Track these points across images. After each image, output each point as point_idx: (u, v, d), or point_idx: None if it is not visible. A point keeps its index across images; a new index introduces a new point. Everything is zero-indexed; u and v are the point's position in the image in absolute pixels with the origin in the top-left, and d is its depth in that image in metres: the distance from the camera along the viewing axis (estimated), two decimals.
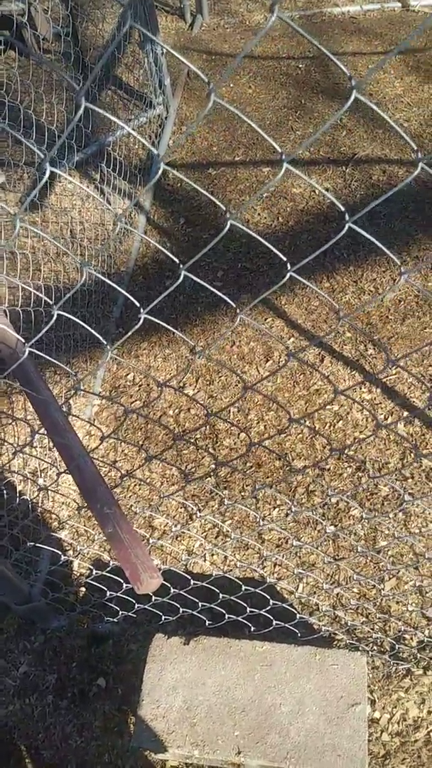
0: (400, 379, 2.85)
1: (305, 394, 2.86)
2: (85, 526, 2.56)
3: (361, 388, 2.84)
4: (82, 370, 3.06)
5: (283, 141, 4.08)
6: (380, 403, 2.77)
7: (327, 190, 3.74)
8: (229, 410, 2.84)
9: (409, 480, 2.53)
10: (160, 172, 0.86)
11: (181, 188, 3.93)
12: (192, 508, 2.57)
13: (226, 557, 2.43)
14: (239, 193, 3.80)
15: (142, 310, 1.00)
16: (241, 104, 4.36)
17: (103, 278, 0.94)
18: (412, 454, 2.60)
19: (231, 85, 4.58)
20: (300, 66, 4.65)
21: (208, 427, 2.82)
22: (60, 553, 2.32)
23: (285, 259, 0.91)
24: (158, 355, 3.12)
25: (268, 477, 2.63)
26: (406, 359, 2.89)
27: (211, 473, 2.67)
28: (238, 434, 2.76)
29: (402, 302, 3.13)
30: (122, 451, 2.80)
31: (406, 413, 2.75)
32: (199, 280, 1.00)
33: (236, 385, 2.94)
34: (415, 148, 0.76)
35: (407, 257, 3.31)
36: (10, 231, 3.55)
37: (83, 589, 2.41)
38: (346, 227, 0.83)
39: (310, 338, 3.05)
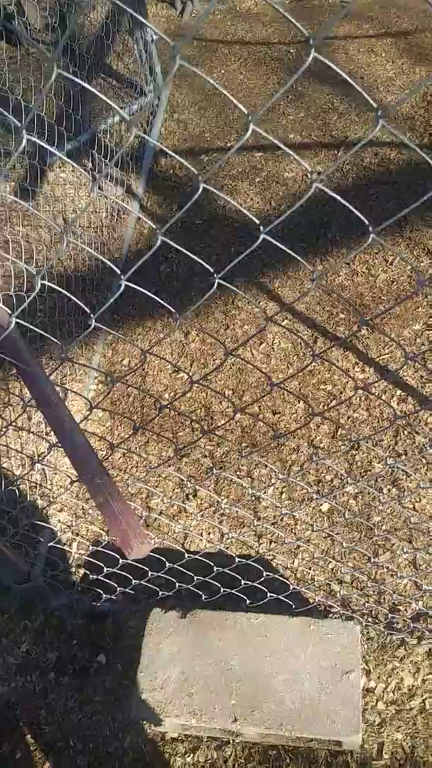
0: (393, 358, 2.88)
1: (299, 375, 2.88)
2: (83, 507, 2.60)
3: (354, 368, 2.87)
4: (77, 356, 3.09)
5: (275, 125, 4.08)
6: (373, 382, 2.80)
7: (319, 173, 3.75)
8: (224, 392, 2.87)
9: (402, 456, 2.56)
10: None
11: (174, 174, 3.94)
12: (188, 486, 2.60)
13: (222, 535, 2.47)
14: (232, 179, 3.82)
15: (122, 277, 1.03)
16: (232, 90, 4.37)
17: (99, 257, 0.97)
18: (405, 432, 2.63)
19: (222, 71, 4.59)
20: (291, 51, 4.66)
21: (203, 409, 2.85)
22: (59, 532, 2.36)
23: (258, 222, 0.93)
24: (152, 339, 3.15)
25: (263, 456, 2.66)
26: (399, 338, 2.91)
27: (207, 454, 2.70)
28: (232, 416, 2.79)
29: (395, 282, 3.15)
30: (119, 434, 2.83)
31: (399, 392, 2.77)
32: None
33: (230, 368, 2.96)
34: (375, 105, 0.78)
35: (399, 238, 3.32)
36: (4, 221, 3.57)
37: (82, 568, 2.44)
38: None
39: (303, 320, 3.07)
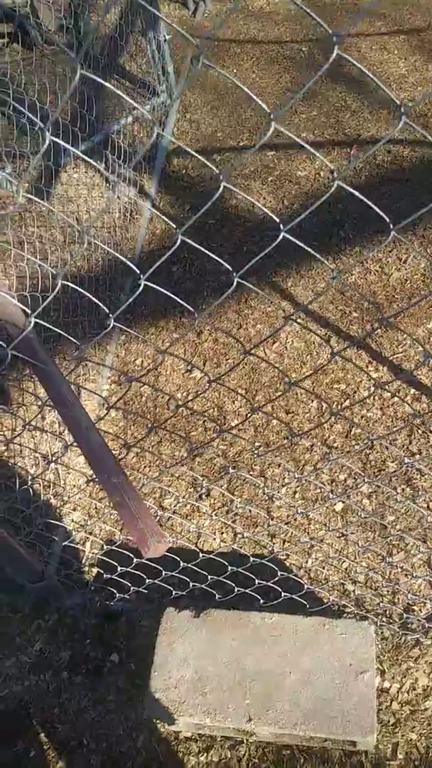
0: (407, 357, 2.86)
1: (312, 374, 2.87)
2: (96, 506, 2.61)
3: (368, 367, 2.86)
4: (90, 356, 3.09)
5: (288, 124, 4.08)
6: (388, 381, 2.79)
7: (332, 171, 3.74)
8: (237, 391, 2.87)
9: (417, 456, 2.54)
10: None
11: (187, 174, 3.94)
12: (201, 486, 2.60)
13: (236, 534, 2.47)
14: (244, 178, 3.81)
15: (142, 276, 1.03)
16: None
17: (115, 253, 0.97)
18: (419, 431, 2.61)
19: (234, 71, 4.58)
20: (303, 49, 4.65)
21: (216, 409, 2.85)
22: (73, 532, 2.36)
23: (278, 220, 0.93)
24: (166, 339, 3.15)
25: (276, 456, 2.66)
26: (413, 336, 2.90)
27: (220, 454, 2.70)
28: (247, 416, 2.79)
29: (408, 281, 3.13)
30: (132, 434, 2.83)
31: (413, 390, 2.76)
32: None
33: (243, 368, 2.96)
34: (398, 102, 0.77)
35: (413, 236, 3.31)
36: (19, 221, 3.59)
37: (96, 568, 2.45)
38: (335, 184, 0.85)
39: (317, 319, 3.07)
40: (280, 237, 0.93)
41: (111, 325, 1.07)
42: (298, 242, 0.94)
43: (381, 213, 0.89)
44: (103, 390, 3.00)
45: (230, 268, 0.99)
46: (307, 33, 4.75)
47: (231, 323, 3.14)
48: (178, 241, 0.96)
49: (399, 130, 3.80)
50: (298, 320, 3.07)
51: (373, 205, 0.91)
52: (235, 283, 0.99)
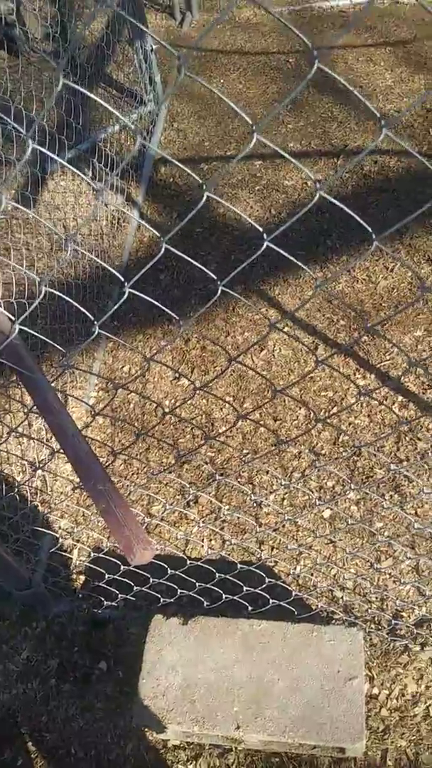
0: (394, 365, 2.88)
1: (300, 382, 2.89)
2: (84, 513, 2.60)
3: (355, 375, 2.88)
4: (78, 363, 3.09)
5: (274, 134, 4.11)
6: (375, 388, 2.81)
7: (318, 181, 3.77)
8: (225, 399, 2.88)
9: (404, 462, 2.56)
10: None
11: (174, 183, 3.96)
12: (189, 493, 2.60)
13: (224, 541, 2.47)
14: (232, 187, 3.83)
15: (126, 284, 1.03)
16: (232, 100, 4.39)
17: (101, 262, 0.98)
18: (407, 438, 2.63)
19: (221, 81, 4.61)
20: (290, 60, 4.69)
21: (204, 416, 2.85)
22: (60, 539, 2.35)
23: (261, 229, 0.94)
24: (154, 347, 3.15)
25: (264, 463, 2.66)
26: (400, 344, 2.92)
27: (208, 461, 2.70)
28: (234, 422, 2.79)
29: (395, 290, 3.16)
30: (120, 442, 2.83)
31: (401, 398, 2.78)
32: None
33: (231, 375, 2.97)
34: (378, 115, 0.79)
35: (399, 245, 3.34)
36: (6, 228, 3.59)
37: (83, 575, 2.44)
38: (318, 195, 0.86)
39: (304, 327, 3.08)
40: (264, 246, 0.94)
41: (96, 332, 1.08)
42: (282, 252, 0.95)
43: (363, 223, 0.90)
44: (90, 398, 3.00)
45: (215, 277, 1.00)
46: (294, 44, 4.80)
47: (219, 331, 3.15)
48: (163, 248, 0.97)
49: (386, 141, 3.83)
50: (286, 328, 3.08)
51: (356, 216, 0.92)
52: (219, 291, 0.99)
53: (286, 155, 0.91)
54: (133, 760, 2.04)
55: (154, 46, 3.97)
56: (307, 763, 1.94)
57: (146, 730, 2.06)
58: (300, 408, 2.80)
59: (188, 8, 5.22)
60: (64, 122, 3.73)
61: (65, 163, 0.98)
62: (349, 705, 1.79)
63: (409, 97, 4.19)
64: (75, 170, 1.10)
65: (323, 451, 2.66)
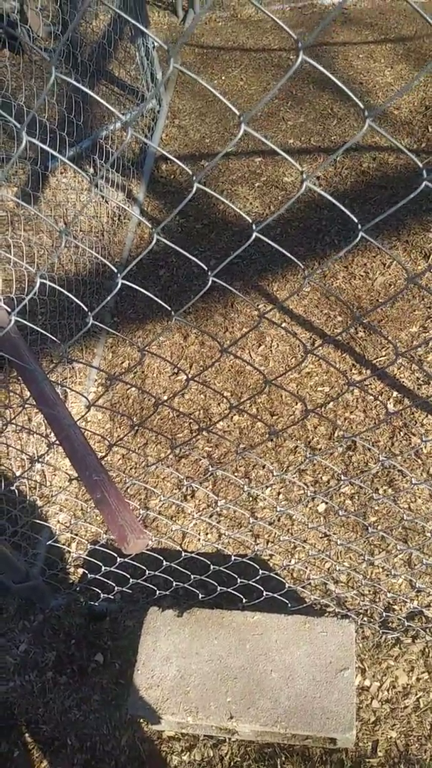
0: (390, 360, 2.90)
1: (297, 377, 2.90)
2: (82, 507, 2.62)
3: (351, 370, 2.89)
4: (77, 359, 3.11)
5: (275, 131, 4.12)
6: (370, 384, 2.82)
7: (318, 178, 3.79)
8: (222, 394, 2.89)
9: (398, 457, 2.58)
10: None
11: (175, 180, 3.98)
12: (186, 487, 2.62)
13: (220, 534, 2.49)
14: (231, 183, 3.85)
15: (119, 274, 1.05)
16: (233, 96, 4.41)
17: (100, 258, 0.99)
18: (401, 433, 2.65)
19: (223, 78, 4.63)
20: (291, 57, 4.70)
21: (201, 411, 2.87)
22: (58, 533, 2.38)
23: (250, 220, 0.96)
24: (153, 342, 3.17)
25: (260, 456, 2.68)
26: (396, 340, 2.93)
27: (205, 455, 2.72)
28: (228, 412, 2.81)
29: (392, 286, 3.18)
30: (118, 436, 2.85)
31: (396, 393, 2.79)
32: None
33: (229, 371, 2.99)
34: (362, 107, 0.81)
35: (397, 241, 3.35)
36: (7, 225, 3.60)
37: (81, 568, 2.46)
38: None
39: (301, 323, 3.10)
40: (253, 236, 0.96)
41: (90, 323, 1.10)
42: (269, 241, 0.97)
43: (348, 213, 0.92)
44: (90, 392, 3.02)
45: (206, 267, 1.02)
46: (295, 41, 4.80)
47: (217, 326, 3.16)
48: (155, 239, 0.99)
49: (385, 138, 3.83)
50: (283, 324, 3.10)
51: (342, 207, 0.94)
52: (210, 282, 1.01)
53: (275, 148, 0.93)
54: (129, 751, 2.06)
55: (155, 44, 3.99)
56: (299, 753, 1.96)
57: (142, 721, 2.08)
58: (296, 403, 2.82)
59: (191, 5, 5.24)
60: (65, 119, 3.75)
61: (66, 160, 1.00)
62: (341, 696, 1.81)
63: (409, 94, 4.20)
64: (75, 168, 1.11)
65: (319, 446, 2.68)
